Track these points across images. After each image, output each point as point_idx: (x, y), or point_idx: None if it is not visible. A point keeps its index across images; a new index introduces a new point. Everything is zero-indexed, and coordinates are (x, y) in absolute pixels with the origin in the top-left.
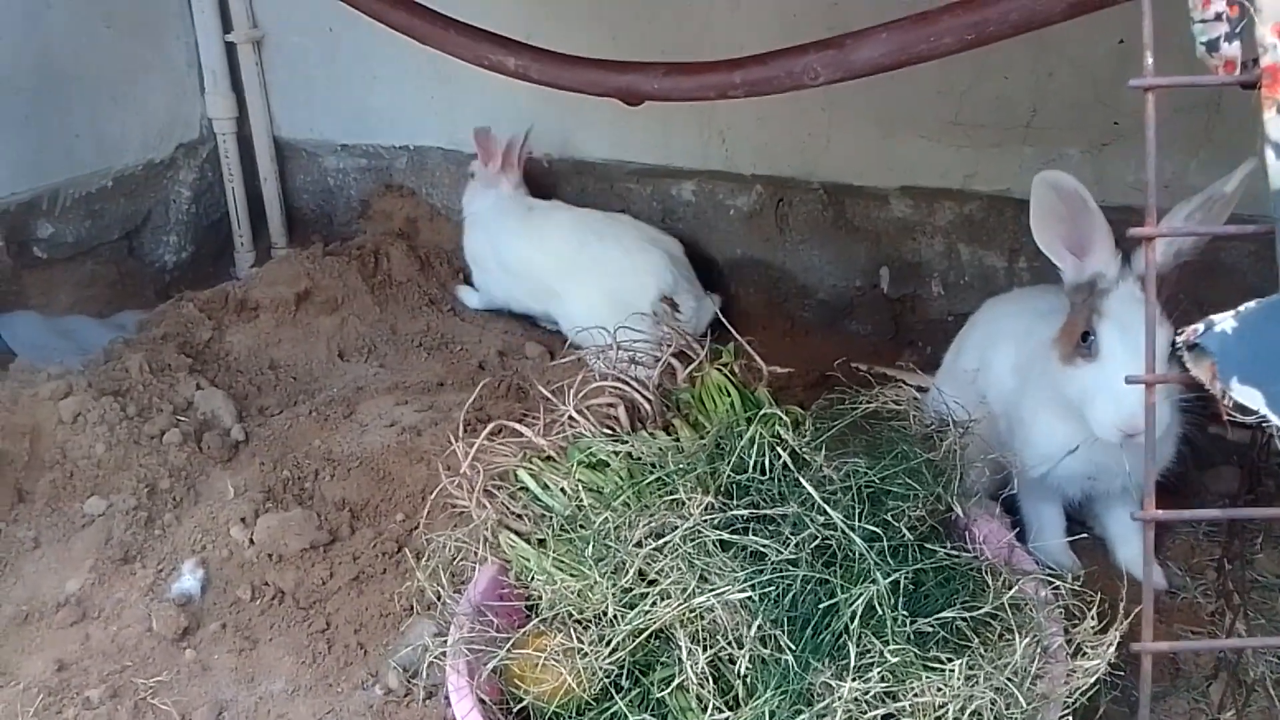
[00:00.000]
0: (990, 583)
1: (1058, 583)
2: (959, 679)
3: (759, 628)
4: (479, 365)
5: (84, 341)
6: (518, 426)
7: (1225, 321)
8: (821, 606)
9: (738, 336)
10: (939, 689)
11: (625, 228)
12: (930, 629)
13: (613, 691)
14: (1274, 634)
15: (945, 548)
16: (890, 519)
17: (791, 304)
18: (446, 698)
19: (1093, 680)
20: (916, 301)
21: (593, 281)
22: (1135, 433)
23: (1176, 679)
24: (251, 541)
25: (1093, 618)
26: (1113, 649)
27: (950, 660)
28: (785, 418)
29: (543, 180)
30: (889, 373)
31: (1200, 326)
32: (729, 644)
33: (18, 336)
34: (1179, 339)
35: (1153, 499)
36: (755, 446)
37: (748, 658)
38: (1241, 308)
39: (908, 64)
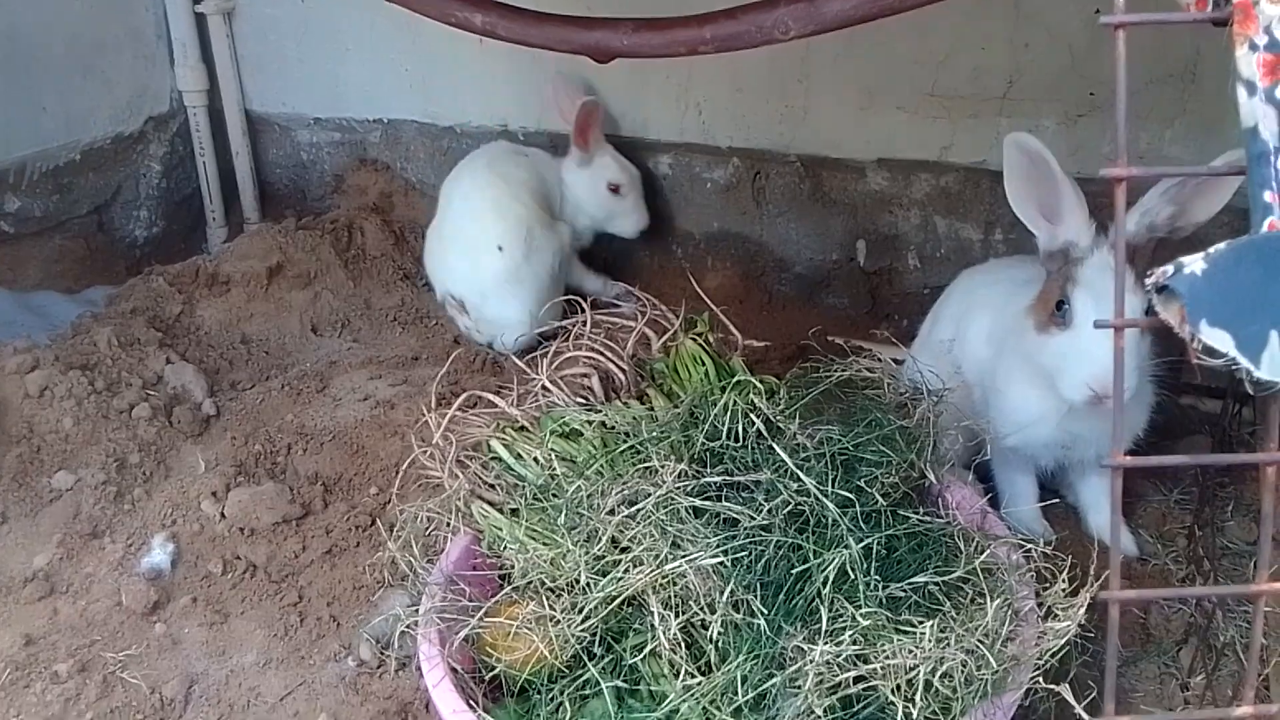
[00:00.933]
0: (962, 548)
1: (1029, 548)
2: (930, 641)
3: (731, 593)
4: (454, 339)
5: (52, 317)
6: (490, 397)
7: (1194, 263)
8: (794, 572)
9: (713, 306)
10: (910, 651)
11: None
12: (902, 594)
13: (585, 659)
14: (1248, 601)
15: (918, 514)
16: (863, 485)
17: (768, 277)
18: (419, 668)
19: (1063, 642)
20: (893, 274)
21: None
22: (1106, 393)
23: (1147, 644)
24: (223, 515)
25: (1063, 581)
26: (1083, 611)
27: (922, 623)
28: (759, 386)
29: None
30: (865, 345)
31: (1170, 269)
32: (701, 609)
33: None
34: (1148, 280)
35: (1122, 446)
36: (729, 414)
37: (720, 623)
38: (1211, 249)
39: (879, 16)
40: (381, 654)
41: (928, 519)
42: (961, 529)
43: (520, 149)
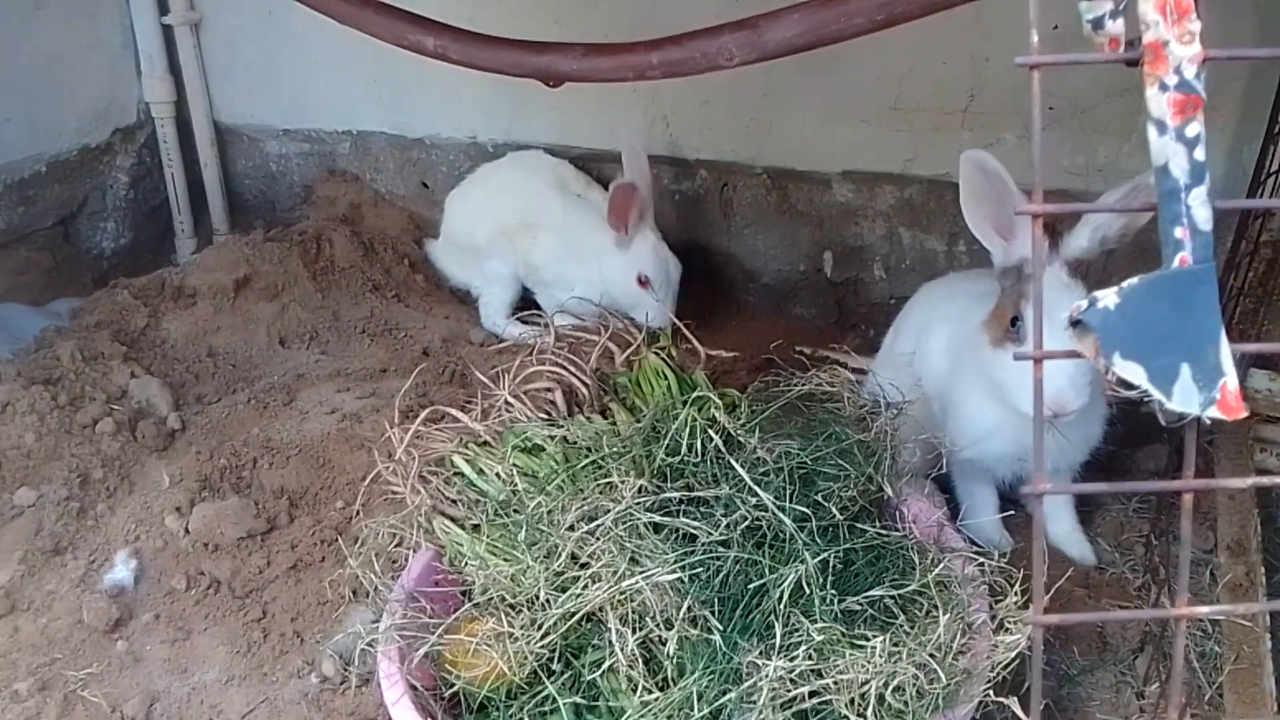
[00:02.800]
0: (918, 561)
1: (984, 560)
2: (882, 655)
3: (688, 609)
4: (423, 352)
5: (17, 330)
6: (454, 412)
7: (1108, 298)
8: (751, 587)
9: (676, 321)
10: (863, 665)
11: None
12: (858, 607)
13: (544, 675)
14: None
15: (875, 527)
16: (821, 499)
17: (737, 289)
18: (380, 685)
19: (1014, 655)
20: (859, 285)
21: None
22: (1061, 410)
23: (1104, 652)
24: (187, 531)
25: (1016, 594)
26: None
27: (874, 638)
28: (719, 401)
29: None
30: (830, 356)
31: (1084, 303)
32: (658, 625)
33: None
34: (1062, 315)
35: (1042, 475)
36: (689, 429)
37: (677, 639)
38: (1125, 284)
39: (821, 44)
40: (344, 670)
41: (884, 532)
42: (917, 542)
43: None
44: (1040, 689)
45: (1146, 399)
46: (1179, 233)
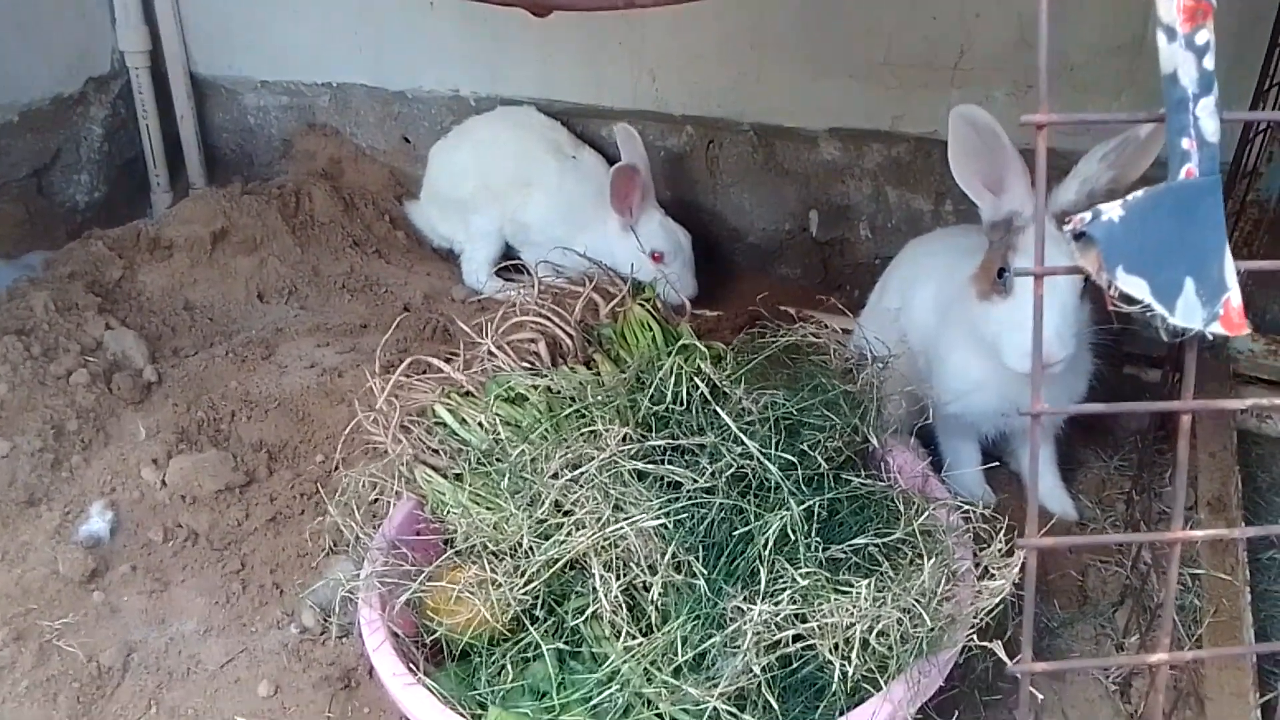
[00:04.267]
0: (903, 510)
1: (968, 510)
2: (866, 600)
3: (673, 555)
4: (404, 308)
5: None
6: (435, 362)
7: (1112, 210)
8: (736, 534)
9: (660, 273)
10: (847, 610)
11: None
12: (843, 555)
13: (527, 622)
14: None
15: (860, 477)
16: (807, 449)
17: (722, 247)
18: (360, 633)
19: (998, 600)
20: (845, 245)
21: None
22: (1049, 361)
23: (1084, 606)
24: (164, 483)
25: (1000, 541)
26: (1018, 569)
27: (859, 583)
28: (705, 351)
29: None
30: (815, 315)
31: (1087, 215)
32: (642, 571)
33: None
34: (1066, 227)
35: (1039, 395)
36: (674, 378)
37: (661, 584)
38: (1129, 196)
39: None
40: (324, 621)
41: (869, 482)
42: (902, 492)
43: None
44: (1032, 614)
45: (1149, 314)
46: (1185, 144)
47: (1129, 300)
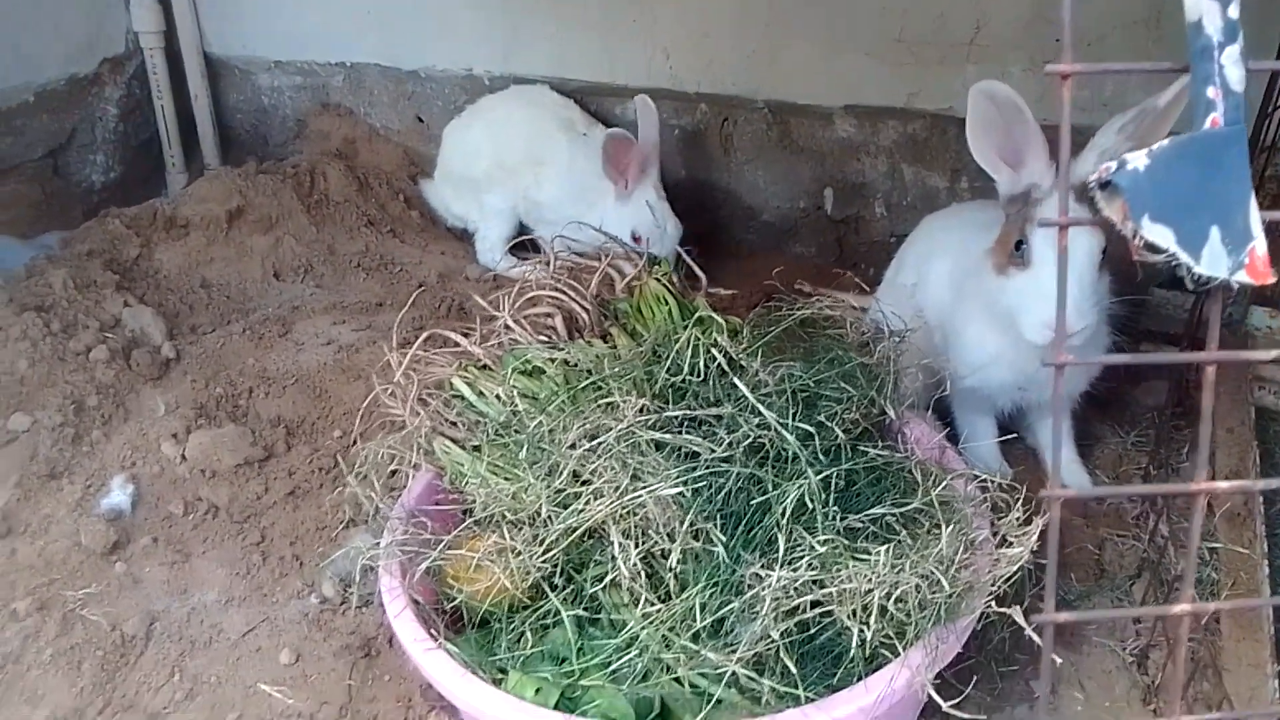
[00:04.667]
0: (920, 481)
1: (986, 481)
2: (885, 566)
3: (691, 523)
4: (419, 286)
5: (6, 261)
6: (452, 335)
7: (1137, 159)
8: (754, 503)
9: (678, 248)
10: (866, 576)
11: None
12: (860, 525)
13: (546, 589)
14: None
15: (877, 448)
16: (824, 420)
17: (736, 226)
18: (381, 602)
19: (1016, 568)
20: (860, 223)
21: None
22: (1067, 334)
23: (1101, 579)
24: (183, 457)
25: (1018, 510)
26: (1036, 537)
27: (877, 550)
28: (722, 323)
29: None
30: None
31: (1113, 165)
32: (661, 539)
33: None
34: (1091, 178)
35: (1062, 345)
36: (691, 349)
37: (680, 552)
38: (1154, 145)
39: None
40: (344, 591)
41: (886, 453)
42: (920, 463)
43: None
44: (1056, 567)
45: (1174, 263)
46: (1211, 93)
47: (1154, 249)
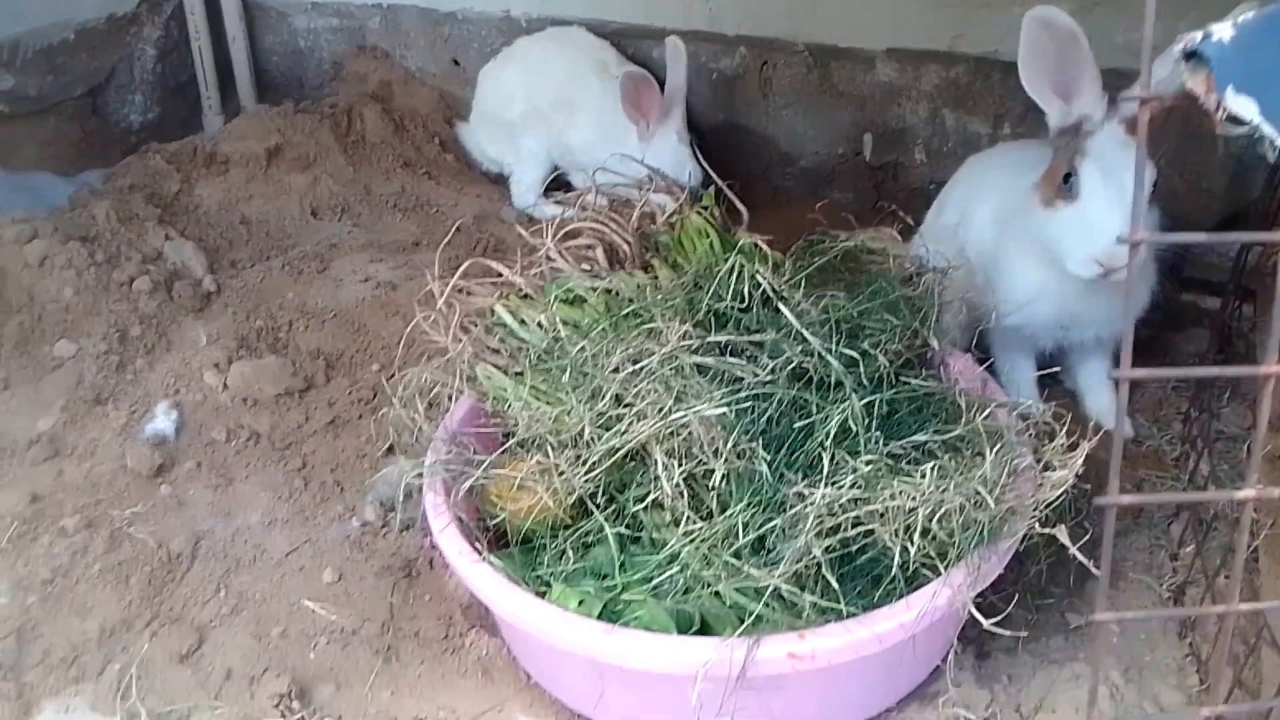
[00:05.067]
0: (963, 410)
1: (1029, 412)
2: (929, 485)
3: (734, 443)
4: (455, 227)
5: (48, 198)
6: (494, 264)
7: (1223, 30)
8: (797, 427)
9: (718, 180)
10: (910, 494)
11: None
12: (902, 451)
13: (590, 506)
14: (1235, 480)
15: (919, 378)
16: (867, 349)
17: (773, 171)
18: (423, 525)
19: (1060, 492)
20: (899, 169)
21: None
22: (1111, 267)
23: (1139, 518)
24: (225, 386)
25: (1062, 436)
26: (1080, 462)
27: (921, 469)
28: (766, 252)
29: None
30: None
31: (1198, 35)
32: (706, 457)
33: None
34: (1176, 47)
35: (1140, 223)
36: (735, 276)
37: (723, 471)
38: (1240, 17)
39: None
40: (385, 516)
41: (929, 383)
42: (964, 392)
43: None
44: (1121, 444)
45: (1256, 135)
46: None
47: (1237, 122)
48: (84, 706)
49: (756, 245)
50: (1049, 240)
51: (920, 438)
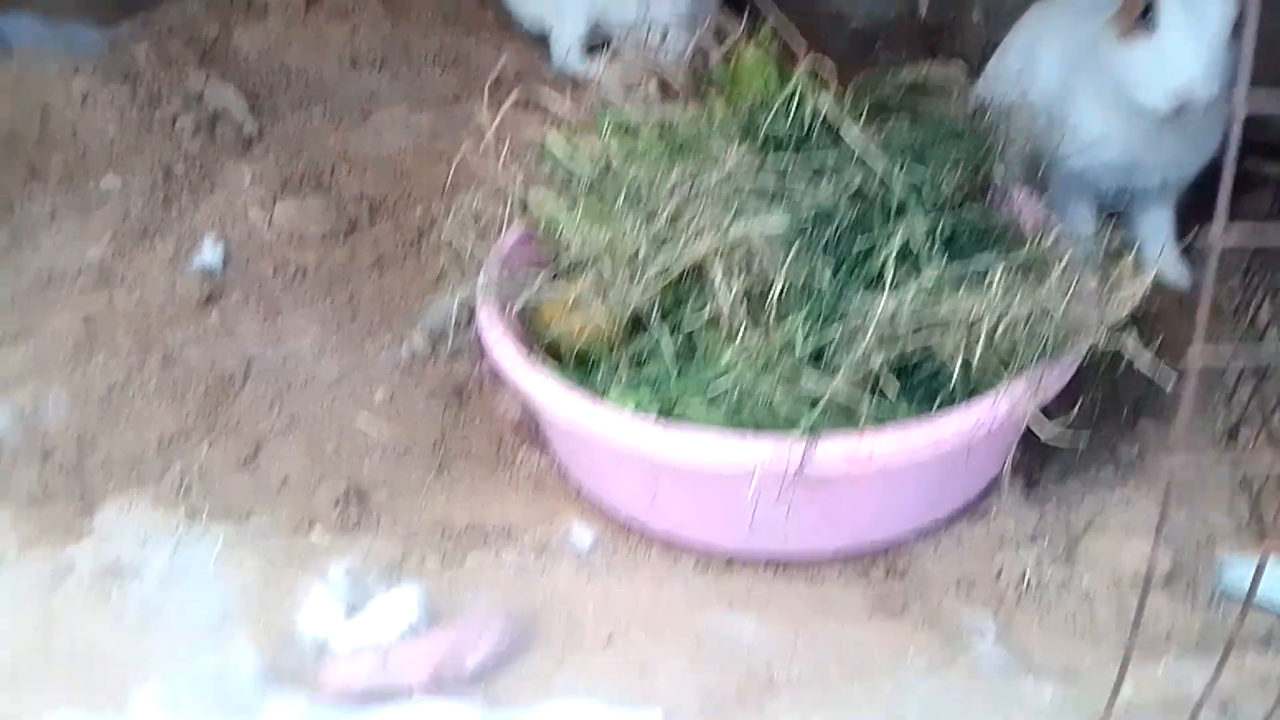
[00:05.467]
0: (1028, 239)
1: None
2: (997, 293)
3: (795, 256)
4: (497, 82)
5: (85, 48)
6: (546, 92)
7: None
8: (857, 251)
9: (777, 12)
10: (975, 302)
11: None
12: (965, 274)
13: (645, 323)
14: None
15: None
16: (930, 176)
17: (823, 32)
18: (474, 351)
19: (1126, 311)
20: (955, 30)
21: None
22: (1191, 100)
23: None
24: (270, 224)
25: (1131, 259)
26: (1148, 283)
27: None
28: (828, 82)
29: None
30: None
31: None
32: (768, 269)
33: (18, 35)
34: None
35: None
36: (795, 99)
37: (783, 283)
38: None
39: None
40: (435, 345)
41: (993, 213)
42: (1029, 220)
43: None
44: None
45: None
46: None
47: None
48: (145, 505)
49: (816, 74)
50: (1123, 75)
51: (984, 260)
